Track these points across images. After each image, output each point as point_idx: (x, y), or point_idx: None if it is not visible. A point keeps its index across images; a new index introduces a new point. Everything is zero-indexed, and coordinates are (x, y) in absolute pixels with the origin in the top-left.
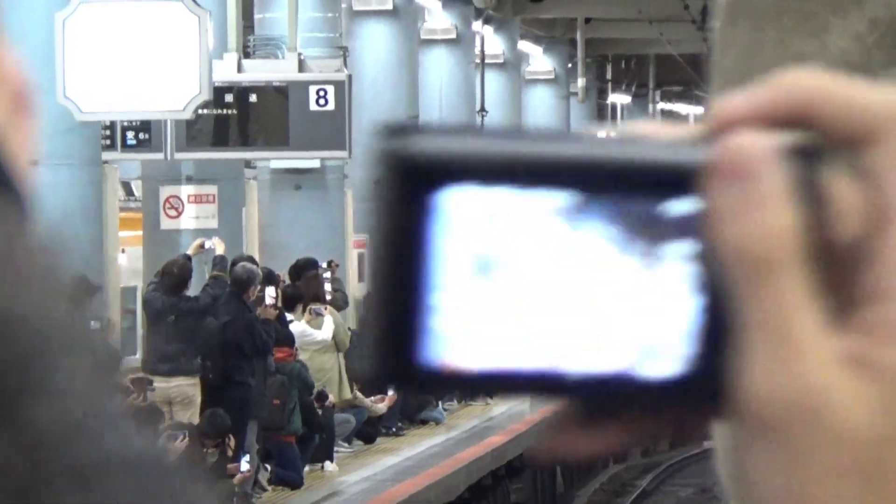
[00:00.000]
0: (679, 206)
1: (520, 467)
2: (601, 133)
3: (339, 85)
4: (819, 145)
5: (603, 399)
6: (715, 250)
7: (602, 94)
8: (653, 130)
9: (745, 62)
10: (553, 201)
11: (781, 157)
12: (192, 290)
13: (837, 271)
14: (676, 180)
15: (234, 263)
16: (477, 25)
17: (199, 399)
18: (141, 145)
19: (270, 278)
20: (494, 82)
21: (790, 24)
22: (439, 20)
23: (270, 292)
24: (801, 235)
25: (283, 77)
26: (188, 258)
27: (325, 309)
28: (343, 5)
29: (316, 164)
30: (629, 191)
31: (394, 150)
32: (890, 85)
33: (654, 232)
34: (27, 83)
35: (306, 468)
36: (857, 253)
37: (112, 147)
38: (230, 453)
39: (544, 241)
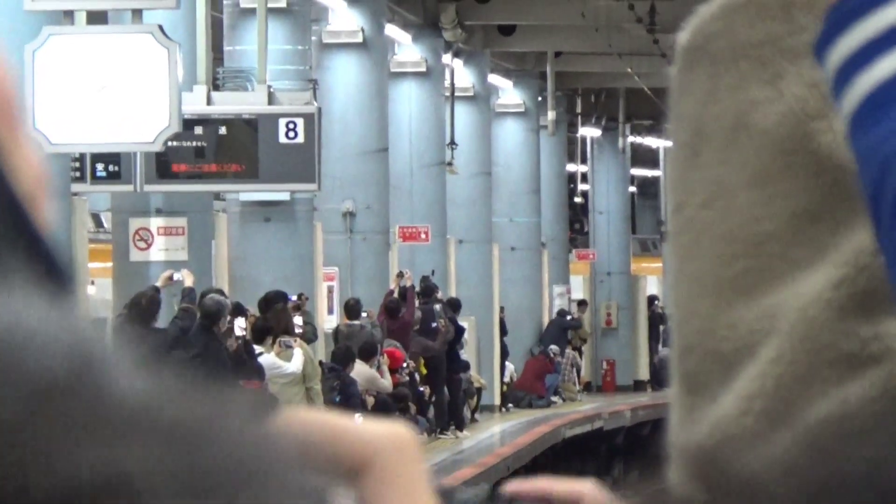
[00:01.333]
0: None
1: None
2: None
3: (308, 117)
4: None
5: None
6: None
7: (572, 127)
8: None
9: (702, 108)
10: None
11: None
12: (161, 321)
13: None
14: None
15: (203, 295)
16: (447, 58)
17: None
18: (110, 177)
19: (239, 310)
20: (464, 115)
21: (747, 71)
22: (409, 53)
23: (240, 324)
24: None
25: (253, 109)
26: (157, 290)
27: (295, 341)
28: (313, 38)
29: (286, 196)
30: None
31: None
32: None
33: None
34: (12, 94)
35: None
36: None
37: (81, 179)
38: None
39: None
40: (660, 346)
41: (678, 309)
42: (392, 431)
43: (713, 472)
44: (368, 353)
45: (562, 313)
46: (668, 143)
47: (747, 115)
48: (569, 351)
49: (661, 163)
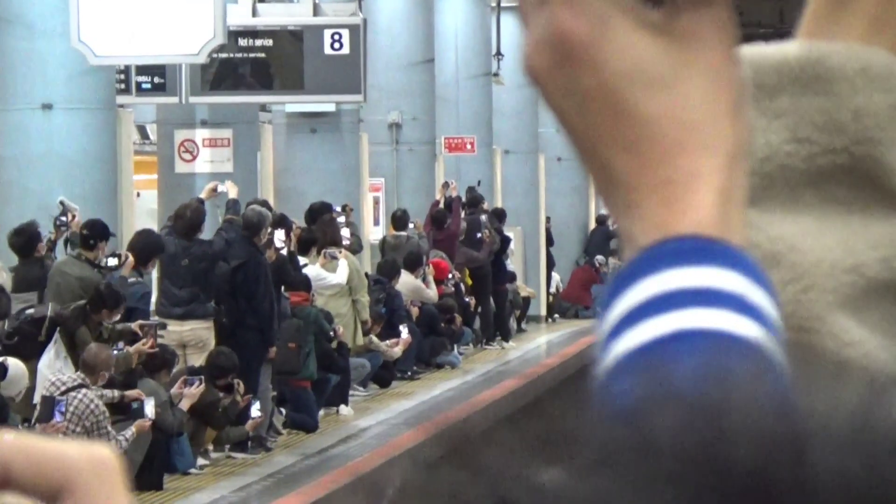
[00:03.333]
0: None
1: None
2: None
3: (353, 29)
4: None
5: None
6: None
7: None
8: None
9: None
10: None
11: None
12: (206, 233)
13: None
14: None
15: (247, 207)
16: None
17: (213, 343)
18: (155, 89)
19: (282, 222)
20: (511, 25)
21: None
22: None
23: (280, 235)
24: None
25: (298, 21)
26: (201, 202)
27: (340, 252)
28: None
29: (331, 107)
30: None
31: None
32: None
33: None
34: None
35: (321, 412)
36: None
37: (126, 91)
38: (239, 397)
39: None
40: None
41: None
42: (93, 453)
43: None
44: (414, 264)
45: (601, 220)
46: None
47: None
48: (613, 260)
49: None
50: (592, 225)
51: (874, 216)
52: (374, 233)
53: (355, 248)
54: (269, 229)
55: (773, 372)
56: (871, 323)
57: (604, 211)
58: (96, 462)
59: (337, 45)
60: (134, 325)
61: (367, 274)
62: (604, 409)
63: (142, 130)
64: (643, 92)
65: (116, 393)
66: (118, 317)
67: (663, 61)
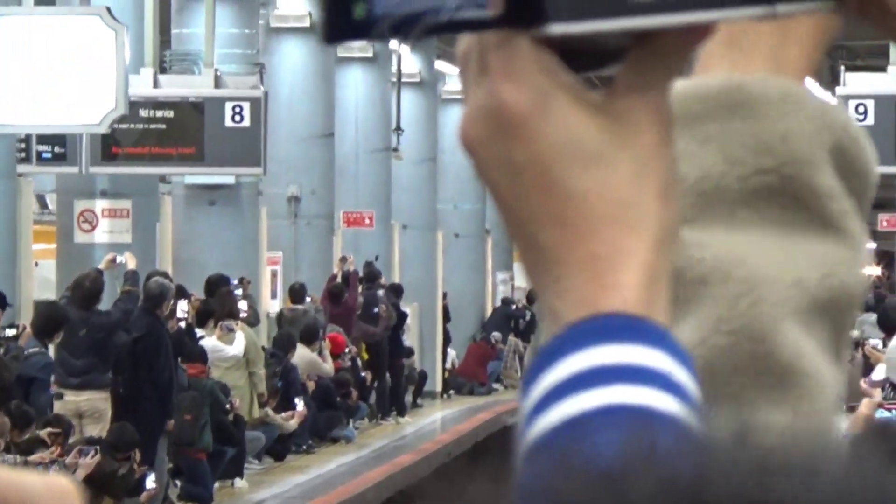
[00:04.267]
0: None
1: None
2: None
3: (254, 101)
4: None
5: None
6: None
7: None
8: None
9: None
10: None
11: None
12: (104, 304)
13: None
14: None
15: (147, 278)
16: (394, 44)
17: (109, 413)
18: (56, 159)
19: (182, 293)
20: (410, 101)
21: None
22: None
23: (183, 306)
24: None
25: (199, 93)
26: (100, 272)
27: (237, 325)
28: (260, 22)
29: (231, 180)
30: None
31: None
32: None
33: None
34: None
35: (216, 484)
36: None
37: (27, 160)
38: (136, 467)
39: None
40: None
41: None
42: (52, 483)
43: None
44: (310, 337)
45: (506, 301)
46: None
47: None
48: (512, 338)
49: None
50: (489, 301)
51: (808, 236)
52: (272, 306)
53: (252, 320)
54: (172, 301)
55: (696, 450)
56: (816, 338)
57: (503, 287)
58: (56, 491)
59: (238, 118)
60: (42, 433)
61: (263, 347)
62: (528, 483)
63: (41, 200)
64: (576, 167)
65: (19, 458)
66: (28, 435)
67: (598, 139)
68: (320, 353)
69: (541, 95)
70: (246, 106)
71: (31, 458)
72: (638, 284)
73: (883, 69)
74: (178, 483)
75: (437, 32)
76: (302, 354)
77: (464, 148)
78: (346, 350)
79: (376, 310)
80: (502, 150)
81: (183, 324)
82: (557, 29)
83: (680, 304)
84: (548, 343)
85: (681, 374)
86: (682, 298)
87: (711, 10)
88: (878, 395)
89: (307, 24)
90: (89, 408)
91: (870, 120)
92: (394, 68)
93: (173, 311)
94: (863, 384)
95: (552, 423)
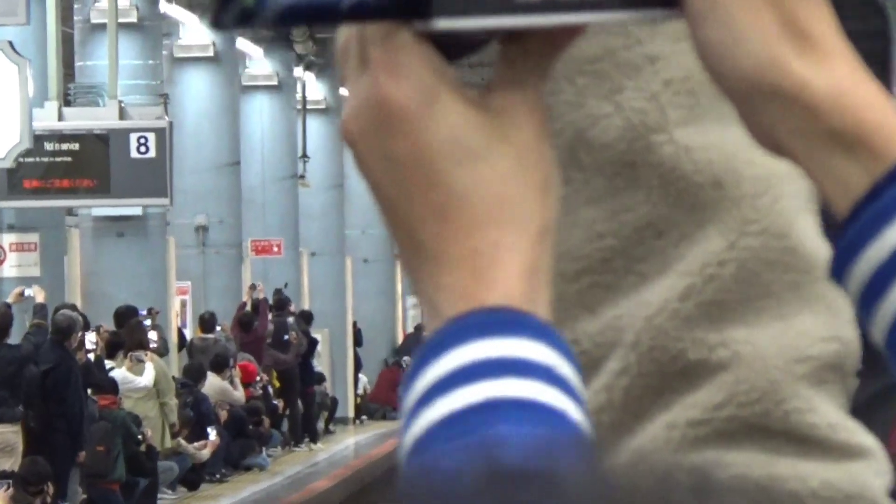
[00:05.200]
0: None
1: None
2: None
3: (159, 132)
4: None
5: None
6: None
7: None
8: None
9: None
10: None
11: None
12: (13, 338)
13: None
14: None
15: (55, 311)
16: (298, 71)
17: (21, 446)
18: None
19: (88, 325)
20: (317, 128)
21: (584, 86)
22: (260, 66)
23: (91, 338)
24: None
25: (104, 125)
26: (8, 306)
27: (147, 355)
28: (164, 52)
29: (138, 211)
30: None
31: None
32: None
33: None
34: None
35: None
36: None
37: None
38: (49, 500)
39: None
40: None
41: None
42: None
43: None
44: (220, 366)
45: (419, 328)
46: None
47: (586, 131)
48: None
49: None
50: (400, 326)
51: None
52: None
53: (162, 350)
54: (80, 333)
55: (580, 442)
56: (827, 396)
57: (413, 312)
58: None
59: (143, 149)
60: None
61: (174, 377)
62: (417, 477)
63: None
64: (456, 162)
65: None
66: None
67: (478, 135)
68: (231, 382)
69: (425, 91)
70: (151, 137)
71: None
72: (518, 279)
73: None
74: None
75: (322, 22)
76: (212, 383)
77: (345, 141)
78: (258, 378)
79: (287, 337)
80: (384, 145)
81: (91, 355)
82: (443, 24)
83: (697, 210)
84: (430, 337)
85: (564, 368)
86: (700, 203)
87: (591, 12)
88: None
89: (211, 53)
90: (1, 441)
91: None
92: (298, 95)
93: (81, 342)
94: None
95: (438, 416)
